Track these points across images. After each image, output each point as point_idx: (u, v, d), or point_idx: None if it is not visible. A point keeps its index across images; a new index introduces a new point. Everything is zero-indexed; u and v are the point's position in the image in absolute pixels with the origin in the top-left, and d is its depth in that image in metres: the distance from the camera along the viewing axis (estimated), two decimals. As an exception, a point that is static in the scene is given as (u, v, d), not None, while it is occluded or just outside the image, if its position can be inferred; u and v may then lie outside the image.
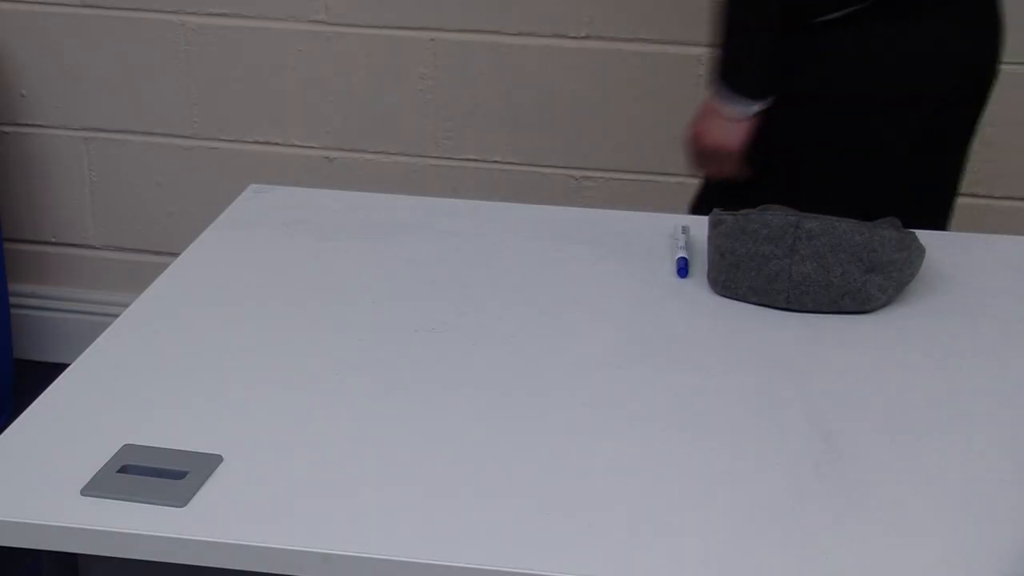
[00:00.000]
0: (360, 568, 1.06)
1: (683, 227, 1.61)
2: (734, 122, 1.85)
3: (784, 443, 1.22)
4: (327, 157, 2.70)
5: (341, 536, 1.08)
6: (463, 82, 2.61)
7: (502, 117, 2.60)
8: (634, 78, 2.53)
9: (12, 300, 2.80)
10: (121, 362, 1.34)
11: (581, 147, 2.60)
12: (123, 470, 1.15)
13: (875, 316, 1.46)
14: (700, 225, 1.59)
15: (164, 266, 1.55)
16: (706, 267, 1.52)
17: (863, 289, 1.44)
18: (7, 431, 1.21)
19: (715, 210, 1.51)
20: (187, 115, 2.72)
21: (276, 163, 2.71)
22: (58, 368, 1.32)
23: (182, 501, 1.11)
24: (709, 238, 1.51)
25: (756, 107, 1.84)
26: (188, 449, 1.18)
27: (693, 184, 2.02)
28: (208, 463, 1.16)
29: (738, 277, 1.47)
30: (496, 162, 2.65)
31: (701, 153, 1.90)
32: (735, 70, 1.85)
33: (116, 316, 1.43)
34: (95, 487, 1.12)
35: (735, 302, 1.48)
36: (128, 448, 1.18)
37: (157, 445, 1.19)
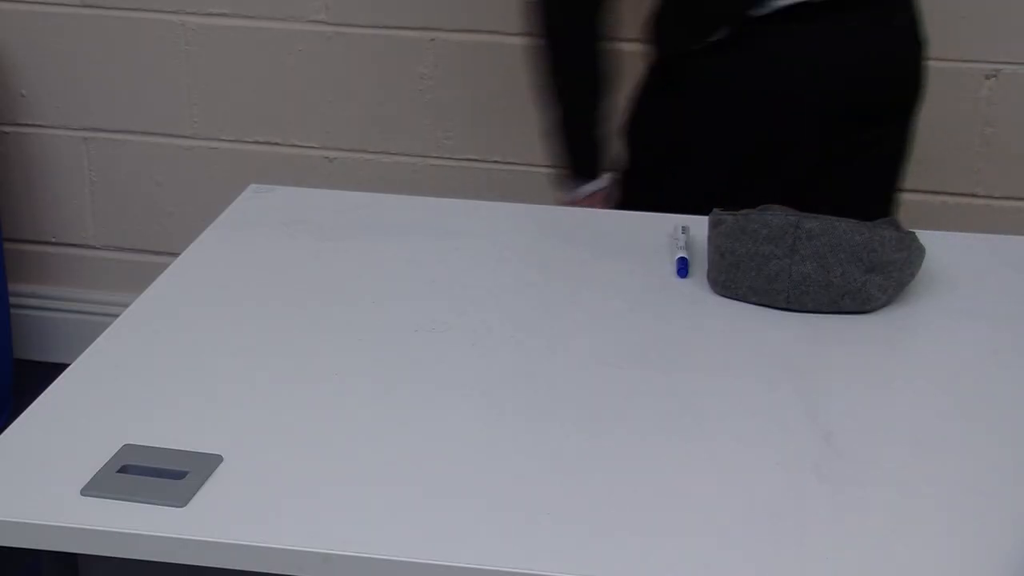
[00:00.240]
0: (360, 568, 1.06)
1: (683, 227, 1.61)
2: (588, 196, 1.87)
3: (784, 443, 1.22)
4: (327, 157, 2.70)
5: (341, 536, 1.08)
6: (463, 82, 2.61)
7: (502, 117, 2.60)
8: (634, 78, 2.53)
9: (12, 300, 2.81)
10: (121, 362, 1.34)
11: (581, 147, 2.60)
12: (123, 470, 1.15)
13: (875, 316, 1.46)
14: (700, 225, 1.59)
15: (164, 266, 1.55)
16: (706, 267, 1.52)
17: (863, 289, 1.44)
18: (7, 431, 1.21)
19: (715, 210, 1.51)
20: (187, 115, 2.72)
21: (276, 163, 2.71)
22: (58, 368, 1.32)
23: (182, 501, 1.11)
24: (709, 238, 1.51)
25: (603, 181, 1.86)
26: (188, 449, 1.18)
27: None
28: (208, 463, 1.16)
29: (738, 277, 1.47)
30: (496, 162, 2.65)
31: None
32: (566, 163, 1.87)
33: (116, 316, 1.42)
34: (95, 487, 1.12)
35: (735, 302, 1.48)
36: (128, 448, 1.18)
37: (157, 445, 1.19)
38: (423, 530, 1.08)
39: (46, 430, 1.21)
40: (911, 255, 1.47)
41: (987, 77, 2.41)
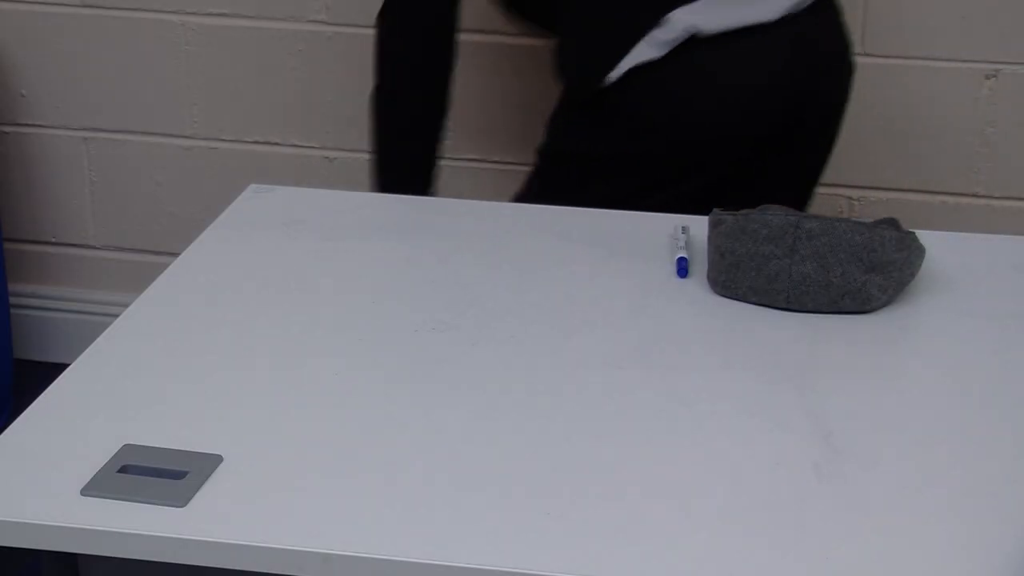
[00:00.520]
0: (360, 568, 1.06)
1: (683, 227, 1.61)
2: None
3: (784, 443, 1.22)
4: (327, 157, 2.70)
5: (341, 536, 1.08)
6: (462, 82, 2.60)
7: (502, 117, 2.60)
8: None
9: (12, 300, 2.80)
10: (121, 362, 1.34)
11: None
12: (123, 470, 1.15)
13: (875, 316, 1.46)
14: (700, 225, 1.59)
15: (164, 266, 1.55)
16: (706, 267, 1.52)
17: (863, 289, 1.44)
18: (7, 431, 1.21)
19: (715, 210, 1.51)
20: (187, 115, 2.72)
21: (276, 163, 2.71)
22: (58, 368, 1.32)
23: (182, 501, 1.11)
24: (709, 238, 1.51)
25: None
26: (188, 449, 1.18)
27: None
28: (208, 463, 1.16)
29: (738, 277, 1.47)
30: (496, 162, 2.64)
31: None
32: (378, 180, 1.87)
33: (116, 316, 1.42)
34: (95, 487, 1.12)
35: (735, 302, 1.48)
36: (128, 448, 1.18)
37: (157, 445, 1.19)
38: (423, 530, 1.08)
39: (46, 430, 1.21)
40: (911, 255, 1.47)
41: (987, 77, 2.41)
